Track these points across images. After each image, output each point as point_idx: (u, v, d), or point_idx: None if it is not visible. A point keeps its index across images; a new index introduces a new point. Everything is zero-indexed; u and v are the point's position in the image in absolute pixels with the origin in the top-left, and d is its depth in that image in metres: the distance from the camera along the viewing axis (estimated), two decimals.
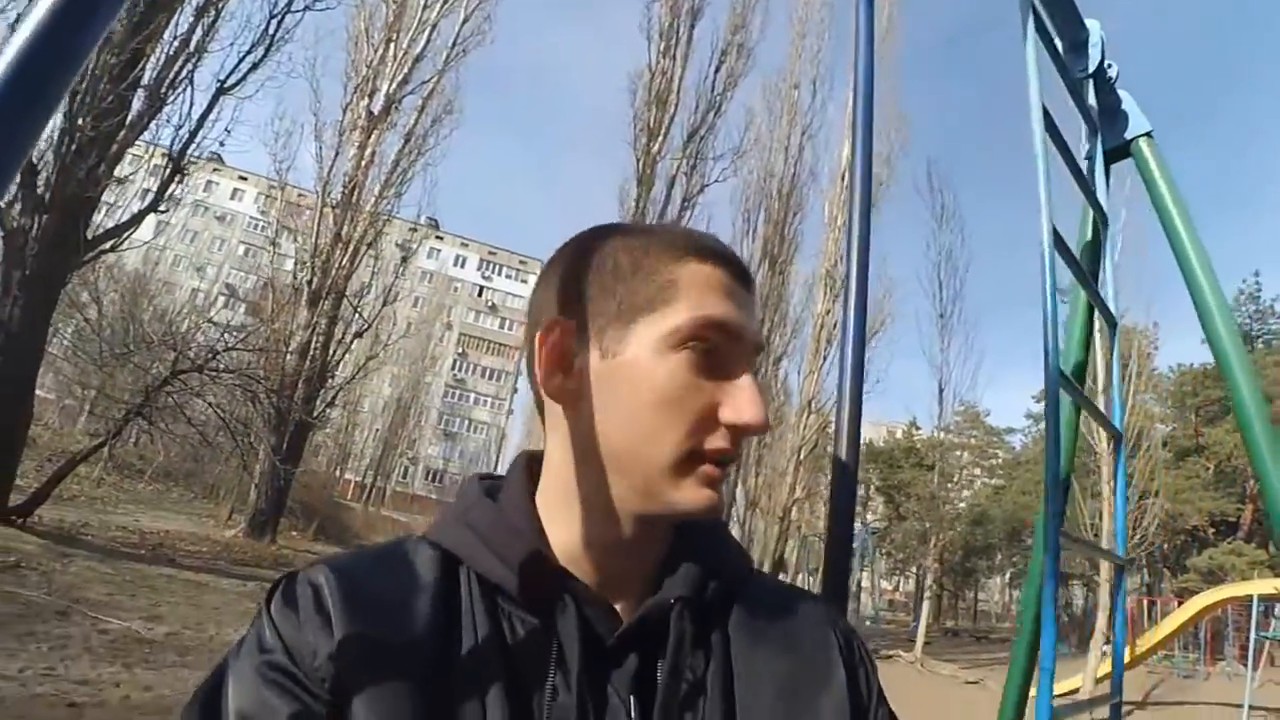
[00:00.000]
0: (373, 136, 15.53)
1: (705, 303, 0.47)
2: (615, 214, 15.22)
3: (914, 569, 33.04)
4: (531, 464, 0.54)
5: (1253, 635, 12.83)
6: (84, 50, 0.33)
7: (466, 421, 52.99)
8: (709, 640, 0.49)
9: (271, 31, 8.11)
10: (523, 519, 0.50)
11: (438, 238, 52.51)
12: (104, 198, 7.65)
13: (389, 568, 0.48)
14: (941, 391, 19.46)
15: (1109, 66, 1.55)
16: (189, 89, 7.13)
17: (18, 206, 6.77)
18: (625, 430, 0.46)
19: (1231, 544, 23.90)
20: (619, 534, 0.49)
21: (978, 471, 35.15)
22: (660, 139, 15.39)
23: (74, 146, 6.60)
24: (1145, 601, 19.29)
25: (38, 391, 8.76)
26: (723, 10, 16.47)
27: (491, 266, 57.20)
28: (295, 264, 15.16)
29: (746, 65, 16.32)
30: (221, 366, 9.47)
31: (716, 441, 0.47)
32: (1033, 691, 1.20)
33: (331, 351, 15.60)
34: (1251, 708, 11.34)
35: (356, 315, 16.10)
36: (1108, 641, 13.61)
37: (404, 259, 17.93)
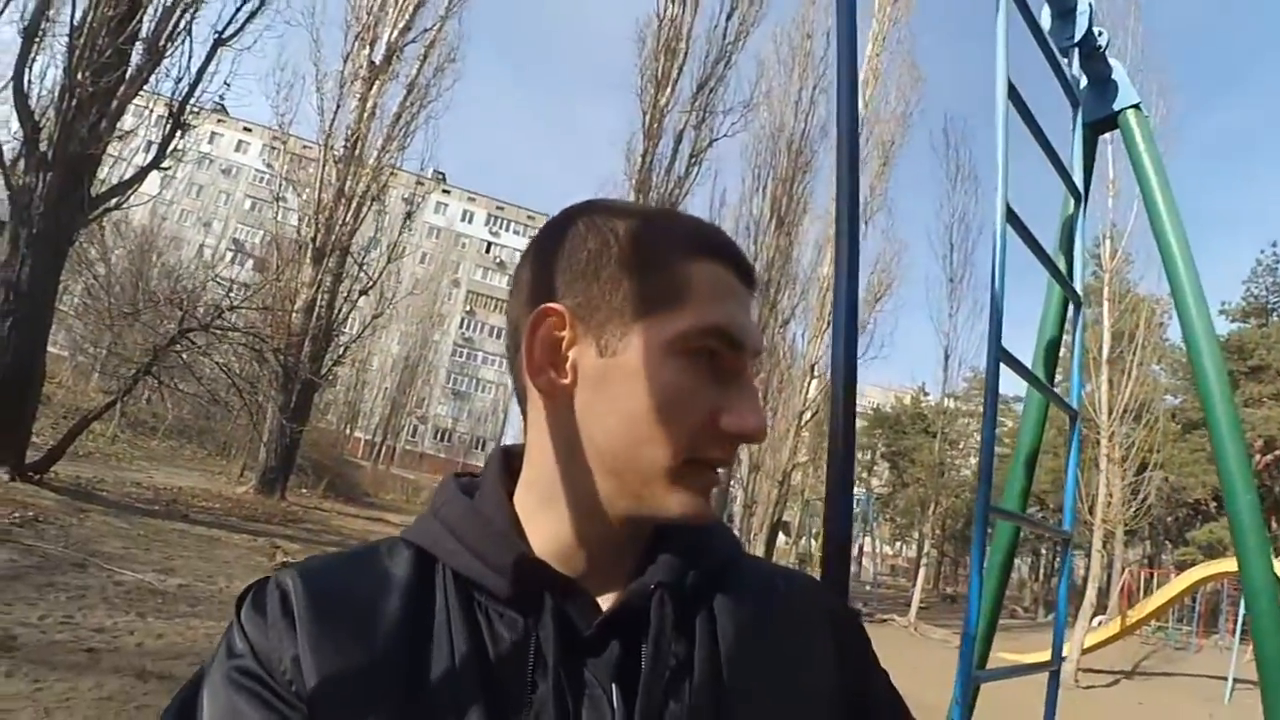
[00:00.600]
0: (374, 88, 15.26)
1: (714, 308, 0.46)
2: (622, 169, 14.96)
3: (915, 535, 33.47)
4: (509, 460, 0.53)
5: (1241, 610, 12.99)
6: None
7: (475, 380, 52.83)
8: (694, 624, 0.48)
9: None
10: (499, 515, 0.49)
11: (444, 191, 51.49)
12: (108, 151, 7.59)
13: (360, 569, 0.47)
14: (948, 358, 19.38)
15: (1099, 34, 1.50)
16: (187, 40, 6.99)
17: (22, 164, 6.73)
18: (620, 433, 0.45)
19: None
20: (602, 531, 0.48)
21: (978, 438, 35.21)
22: (669, 90, 14.97)
23: (74, 103, 6.51)
24: (1144, 573, 19.53)
25: (50, 349, 8.85)
26: None
27: (499, 222, 56.06)
28: (299, 219, 15.06)
29: (759, 12, 15.72)
30: (228, 325, 9.51)
31: (715, 449, 0.46)
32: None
33: (337, 309, 15.61)
34: (1236, 680, 11.57)
35: (361, 272, 16.05)
36: (1096, 612, 13.82)
37: (409, 214, 17.73)
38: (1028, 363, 1.37)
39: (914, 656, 11.34)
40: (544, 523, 0.49)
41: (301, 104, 17.83)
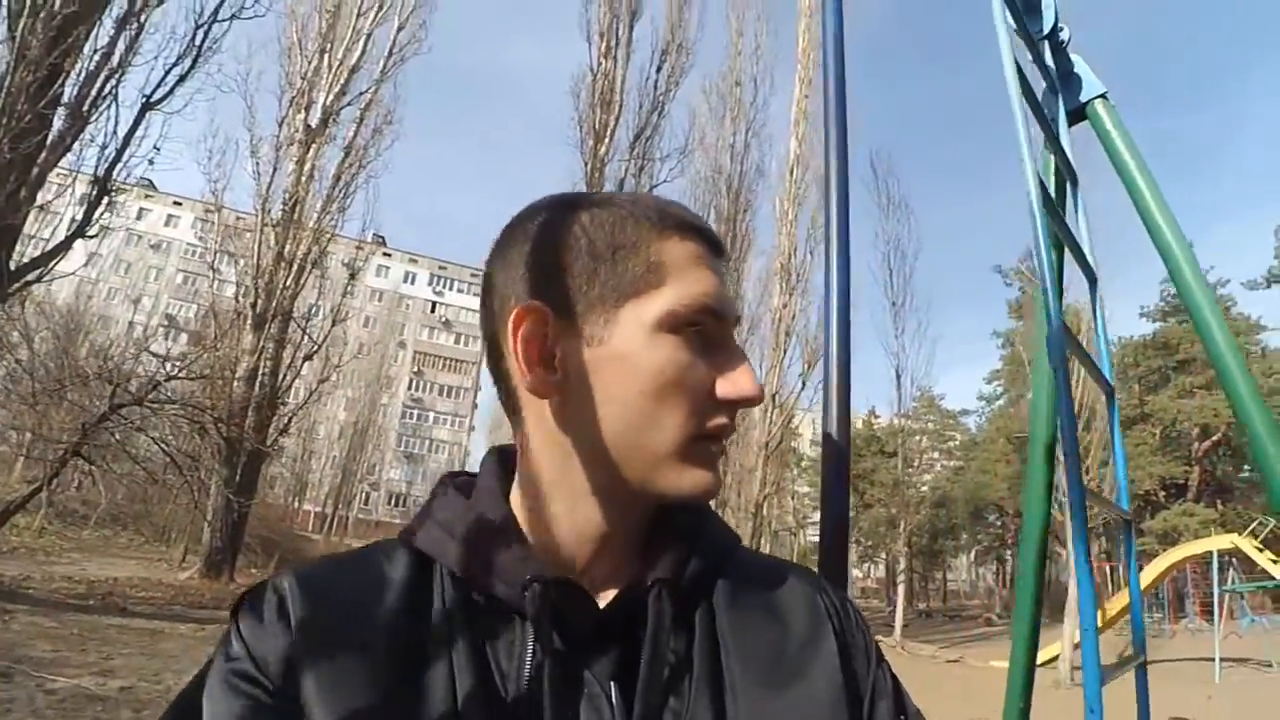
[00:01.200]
0: (311, 150, 15.11)
1: (693, 282, 0.46)
2: None
3: (883, 555, 33.66)
4: (504, 459, 0.53)
5: (1215, 590, 13.39)
6: None
7: (427, 442, 51.99)
8: (693, 619, 0.48)
9: (199, 42, 7.73)
10: (496, 515, 0.48)
11: (385, 254, 51.63)
12: (28, 229, 7.19)
13: (357, 571, 0.47)
14: (899, 377, 19.91)
15: (1061, 30, 1.54)
16: (113, 105, 6.71)
17: None
18: (621, 420, 0.45)
19: (1183, 505, 25.19)
20: (602, 525, 0.48)
21: (935, 455, 36.11)
22: (607, 141, 15.34)
23: None
24: (1108, 566, 20.08)
25: None
26: (660, 10, 16.53)
27: (443, 281, 56.46)
28: (237, 288, 14.65)
29: (687, 64, 16.44)
30: (164, 397, 8.97)
31: (717, 418, 0.46)
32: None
33: (281, 376, 15.07)
34: (1223, 660, 11.84)
35: (305, 337, 15.58)
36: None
37: (352, 275, 17.41)
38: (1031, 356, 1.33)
39: (916, 676, 11.26)
40: (541, 522, 0.48)
41: (235, 170, 17.47)
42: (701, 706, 0.44)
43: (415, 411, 52.26)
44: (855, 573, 42.14)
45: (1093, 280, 1.45)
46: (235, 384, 13.22)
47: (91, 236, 7.15)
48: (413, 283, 55.46)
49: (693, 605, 0.48)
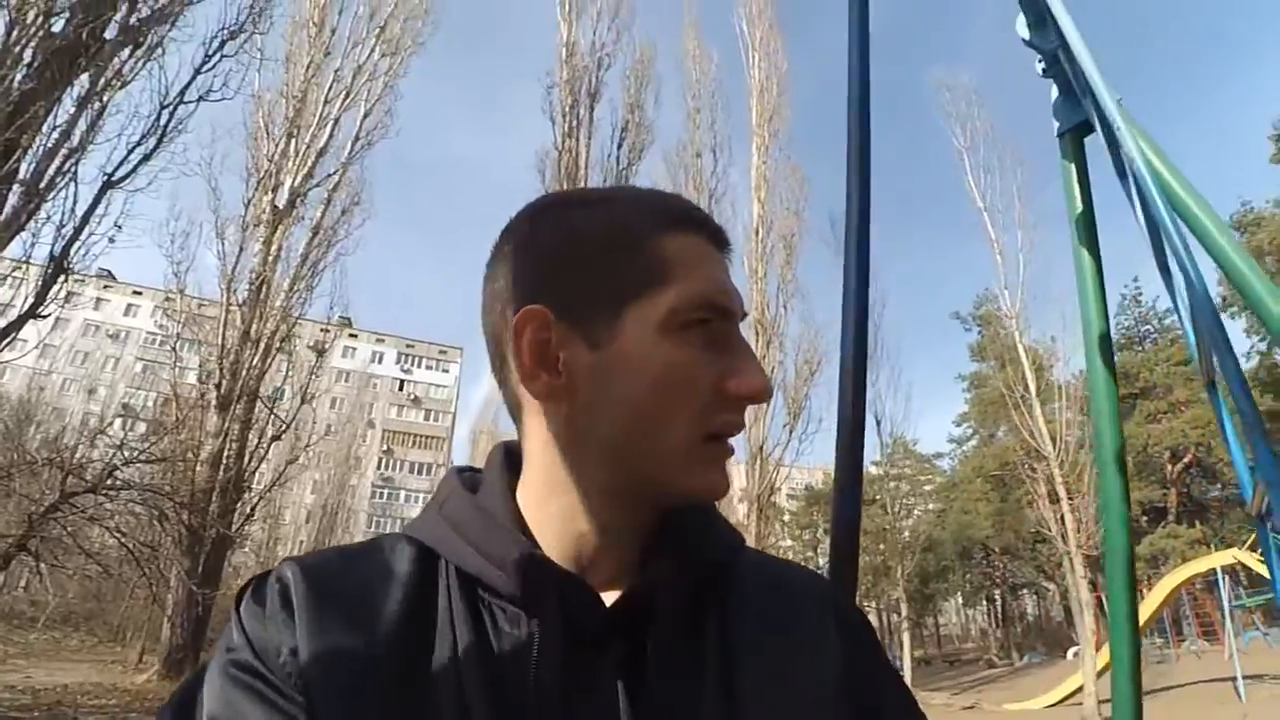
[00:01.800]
0: (278, 231, 15.13)
1: (697, 278, 0.46)
2: None
3: (871, 604, 32.99)
4: (510, 455, 0.52)
5: (1226, 606, 13.25)
6: None
7: (399, 521, 50.44)
8: (700, 618, 0.47)
9: (164, 122, 7.77)
10: (503, 511, 0.48)
11: (351, 335, 51.47)
12: None
13: (362, 563, 0.46)
14: (879, 424, 20.07)
15: (1070, 41, 1.62)
16: (72, 184, 6.63)
17: None
18: (629, 422, 0.44)
19: (1166, 528, 25.39)
20: (608, 524, 0.47)
21: (913, 500, 36.13)
22: None
23: None
24: (1095, 596, 19.95)
25: None
26: (619, 90, 17.36)
27: (410, 359, 56.28)
28: (200, 372, 14.32)
29: (647, 139, 17.23)
30: (120, 483, 8.53)
31: (726, 415, 0.46)
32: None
33: (247, 460, 14.57)
34: (1245, 678, 11.62)
35: (272, 418, 15.17)
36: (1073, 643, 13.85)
37: (319, 355, 17.19)
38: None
39: None
40: (548, 518, 0.48)
41: (199, 253, 17.39)
42: (709, 706, 0.44)
43: (385, 490, 51.15)
44: None
45: (1168, 269, 1.44)
46: (198, 468, 12.71)
47: (45, 317, 6.93)
48: (380, 362, 55.20)
49: (700, 605, 0.48)
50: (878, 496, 22.77)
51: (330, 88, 16.57)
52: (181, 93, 8.10)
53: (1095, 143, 1.61)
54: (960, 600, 42.47)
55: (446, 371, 56.90)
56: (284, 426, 15.21)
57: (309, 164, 15.90)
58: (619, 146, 16.74)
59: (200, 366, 14.29)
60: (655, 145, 17.77)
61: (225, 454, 13.75)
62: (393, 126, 17.41)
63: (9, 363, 7.85)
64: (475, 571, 0.45)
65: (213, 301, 14.89)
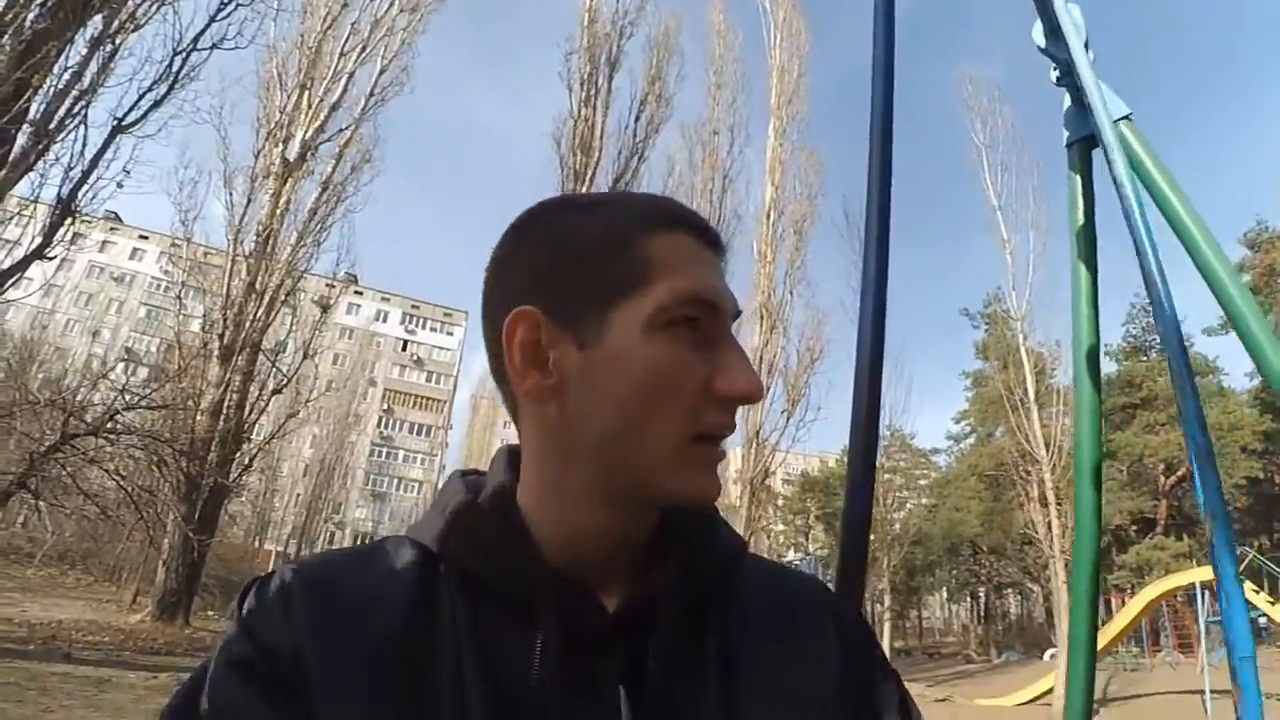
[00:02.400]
0: (288, 184, 15.01)
1: (684, 276, 0.45)
2: None
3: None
4: (513, 458, 0.52)
5: (1202, 621, 13.40)
6: None
7: (396, 480, 50.82)
8: (702, 624, 0.47)
9: (175, 69, 7.66)
10: (505, 513, 0.48)
11: (357, 292, 51.13)
12: None
13: (363, 565, 0.47)
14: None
15: (1087, 51, 1.57)
16: (82, 126, 6.56)
17: None
18: (616, 422, 0.44)
19: (1153, 539, 25.56)
20: (606, 528, 0.47)
21: (906, 493, 36.34)
22: (586, 185, 15.51)
23: None
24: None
25: None
26: (640, 60, 16.92)
27: (415, 320, 56.07)
28: (204, 321, 14.32)
29: (665, 113, 16.87)
30: (121, 428, 8.59)
31: (715, 416, 0.45)
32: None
33: (247, 411, 14.66)
34: (1213, 692, 11.80)
35: (274, 371, 15.22)
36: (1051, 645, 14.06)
37: (324, 310, 17.17)
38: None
39: None
40: (547, 521, 0.47)
41: (206, 201, 17.27)
42: (710, 710, 0.44)
43: (384, 449, 51.18)
44: None
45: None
46: (199, 417, 12.79)
47: (51, 258, 6.91)
48: (384, 320, 55.01)
49: (701, 611, 0.48)
50: (879, 486, 22.94)
51: (346, 40, 16.30)
52: (195, 39, 7.98)
53: (1104, 157, 1.59)
54: (945, 595, 42.99)
55: (451, 334, 56.82)
56: (285, 380, 15.29)
57: (321, 117, 15.71)
58: (636, 119, 16.39)
59: (204, 316, 14.28)
60: (673, 120, 17.41)
61: (226, 404, 13.85)
62: (408, 85, 17.13)
63: (14, 302, 7.84)
64: (476, 574, 0.45)
65: (219, 251, 14.82)
